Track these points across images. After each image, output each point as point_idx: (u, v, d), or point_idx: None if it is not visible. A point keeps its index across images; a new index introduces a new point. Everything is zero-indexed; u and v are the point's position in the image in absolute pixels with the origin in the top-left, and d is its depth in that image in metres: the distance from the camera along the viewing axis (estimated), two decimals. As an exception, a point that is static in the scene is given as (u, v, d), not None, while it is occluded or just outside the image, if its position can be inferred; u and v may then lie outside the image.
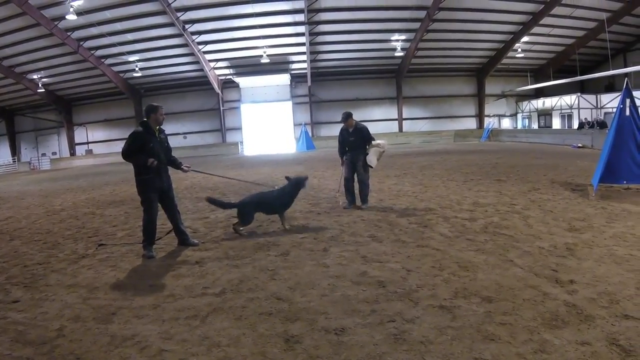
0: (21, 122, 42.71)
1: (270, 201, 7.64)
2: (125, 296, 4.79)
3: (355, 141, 9.03)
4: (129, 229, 8.36)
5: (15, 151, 42.91)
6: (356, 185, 9.19)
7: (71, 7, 24.60)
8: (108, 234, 7.99)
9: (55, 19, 26.85)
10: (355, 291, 4.51)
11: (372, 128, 9.16)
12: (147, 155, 6.12)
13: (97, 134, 41.41)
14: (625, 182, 9.15)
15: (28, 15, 25.54)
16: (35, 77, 34.60)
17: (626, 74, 23.65)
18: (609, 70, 30.00)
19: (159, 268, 5.74)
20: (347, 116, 9.03)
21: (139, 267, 5.86)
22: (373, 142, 9.05)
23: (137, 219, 8.84)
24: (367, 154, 9.01)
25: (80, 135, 41.65)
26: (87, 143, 41.70)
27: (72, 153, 41.27)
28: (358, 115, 9.03)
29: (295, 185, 7.82)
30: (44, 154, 42.68)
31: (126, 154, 6.23)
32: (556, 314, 3.75)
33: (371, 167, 9.06)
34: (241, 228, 7.37)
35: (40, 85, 35.24)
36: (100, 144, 41.02)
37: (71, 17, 25.13)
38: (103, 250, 6.85)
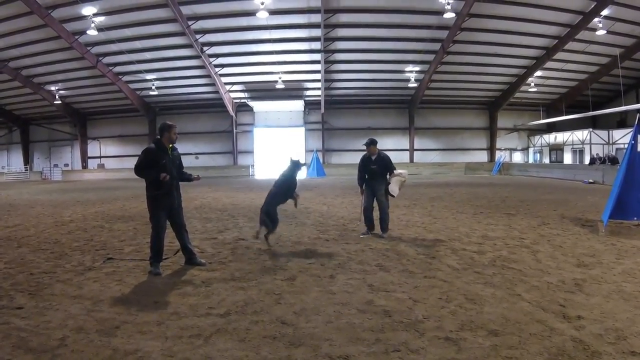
0: (36, 132, 43.39)
1: (280, 190, 8.14)
2: (129, 311, 4.78)
3: (376, 169, 8.95)
4: (136, 244, 8.38)
5: (28, 160, 43.44)
6: (376, 214, 9.07)
7: (92, 22, 25.19)
8: (116, 248, 8.01)
9: (76, 33, 27.42)
10: (360, 319, 4.48)
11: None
12: (159, 171, 6.18)
13: (110, 149, 41.86)
14: (635, 218, 9.06)
15: (49, 28, 26.10)
16: (52, 88, 35.24)
17: (638, 110, 23.59)
18: (621, 106, 30.12)
19: (165, 285, 5.73)
20: (371, 143, 9.09)
21: (144, 283, 5.86)
22: (395, 172, 8.98)
23: (146, 235, 8.87)
24: (389, 183, 8.91)
25: (93, 149, 42.11)
26: (100, 157, 42.09)
27: (84, 166, 41.65)
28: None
29: (294, 166, 8.28)
30: (56, 165, 43.17)
31: (138, 169, 6.30)
32: (563, 349, 3.70)
33: (392, 196, 8.94)
34: (268, 235, 7.98)
35: (57, 97, 35.88)
36: (113, 159, 41.42)
37: (92, 32, 25.72)
38: (109, 264, 6.87)
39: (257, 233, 8.21)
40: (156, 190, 6.28)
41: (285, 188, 8.18)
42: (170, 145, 6.48)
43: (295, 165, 8.29)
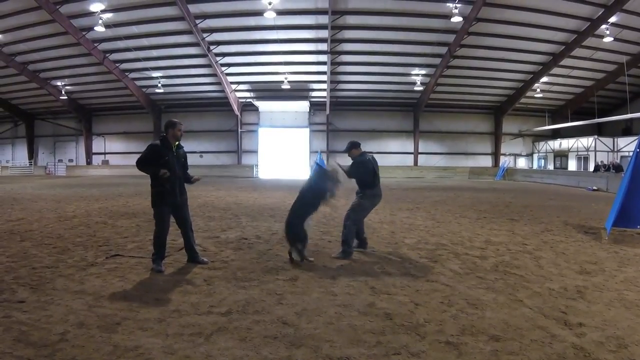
0: (41, 126, 43.62)
1: (306, 199, 7.06)
2: (130, 307, 4.78)
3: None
4: (139, 241, 8.38)
5: (32, 155, 43.63)
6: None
7: (100, 19, 25.31)
8: (118, 245, 8.02)
9: (83, 29, 27.59)
10: (361, 321, 4.48)
11: (388, 160, 8.73)
12: (160, 168, 6.16)
13: (114, 145, 41.99)
14: (639, 227, 9.03)
15: (57, 23, 26.30)
16: (59, 84, 35.45)
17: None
18: (627, 113, 30.08)
19: (167, 283, 5.74)
20: (351, 147, 7.72)
21: (146, 280, 5.86)
22: (342, 167, 7.44)
23: (148, 232, 8.88)
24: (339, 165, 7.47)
25: (97, 145, 42.29)
26: (104, 153, 42.27)
27: (89, 162, 41.83)
28: (374, 147, 8.32)
29: (320, 174, 7.28)
30: (60, 160, 43.36)
31: (140, 162, 6.30)
32: (563, 356, 3.69)
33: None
34: (301, 250, 6.80)
35: (63, 92, 36.14)
36: (117, 155, 41.57)
37: (99, 29, 25.85)
38: (112, 260, 6.88)
39: (289, 255, 6.92)
40: (159, 187, 6.27)
41: (311, 196, 7.08)
42: (177, 143, 6.49)
43: (323, 174, 7.26)
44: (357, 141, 7.89)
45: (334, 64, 31.73)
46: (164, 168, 6.17)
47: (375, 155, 8.04)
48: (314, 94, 37.78)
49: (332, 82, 34.06)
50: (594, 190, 24.19)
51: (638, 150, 8.81)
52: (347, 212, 7.56)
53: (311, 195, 7.09)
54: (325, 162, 36.40)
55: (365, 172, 7.48)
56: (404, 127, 39.74)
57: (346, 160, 7.80)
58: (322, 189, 7.09)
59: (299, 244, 6.78)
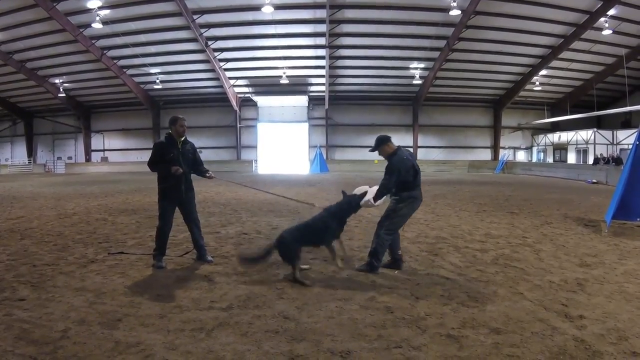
0: (40, 124, 43.50)
1: (314, 228, 5.96)
2: (132, 304, 4.78)
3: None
4: (139, 237, 8.37)
5: (31, 152, 43.58)
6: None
7: (97, 15, 25.25)
8: (119, 241, 8.01)
9: (80, 26, 27.52)
10: (362, 315, 4.48)
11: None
12: (168, 165, 6.16)
13: (113, 142, 41.91)
14: (639, 219, 9.03)
15: (54, 21, 26.24)
16: (57, 81, 35.36)
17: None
18: (626, 106, 30.03)
19: (168, 279, 5.74)
20: (379, 143, 6.48)
21: (147, 277, 5.86)
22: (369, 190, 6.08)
23: (148, 229, 8.91)
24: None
25: (96, 142, 42.21)
26: (103, 150, 42.21)
27: (88, 159, 41.78)
28: (373, 141, 6.82)
29: (346, 205, 6.13)
30: (59, 158, 43.31)
31: (150, 163, 6.32)
32: (564, 349, 3.70)
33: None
34: (296, 272, 5.63)
35: (61, 89, 36.03)
36: (116, 152, 41.50)
37: (97, 25, 25.77)
38: (112, 256, 6.87)
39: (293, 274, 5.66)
40: (163, 183, 6.29)
41: (320, 226, 5.94)
42: (182, 139, 6.44)
43: (347, 205, 6.14)
44: (386, 135, 6.57)
45: (332, 58, 31.67)
46: (170, 164, 6.17)
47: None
48: (312, 88, 37.72)
49: (330, 76, 34.01)
50: (594, 183, 24.22)
51: (637, 142, 8.81)
52: (380, 220, 6.22)
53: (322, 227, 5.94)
54: (324, 156, 36.54)
55: (406, 172, 6.03)
56: (403, 121, 39.70)
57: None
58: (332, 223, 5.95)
59: (291, 262, 5.72)
